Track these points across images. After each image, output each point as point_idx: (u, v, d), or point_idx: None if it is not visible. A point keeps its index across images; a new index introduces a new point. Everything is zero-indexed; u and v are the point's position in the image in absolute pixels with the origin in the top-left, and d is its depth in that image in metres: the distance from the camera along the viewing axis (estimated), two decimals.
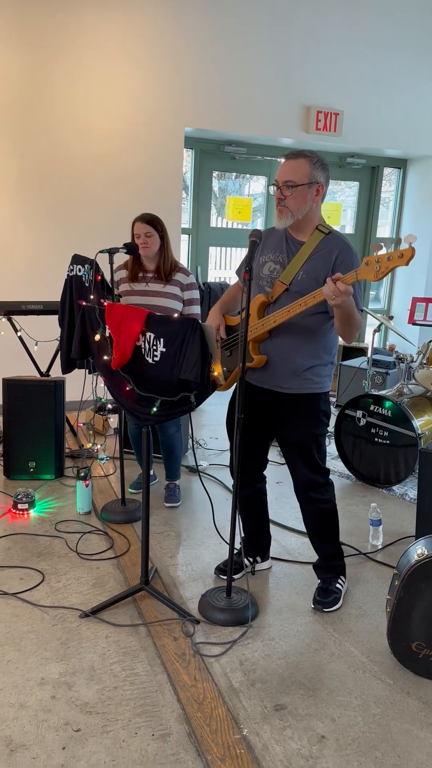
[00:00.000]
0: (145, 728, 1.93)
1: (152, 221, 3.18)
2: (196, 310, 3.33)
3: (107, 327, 2.40)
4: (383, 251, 2.13)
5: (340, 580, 2.67)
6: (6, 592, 2.61)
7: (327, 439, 4.90)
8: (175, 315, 2.88)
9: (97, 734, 1.90)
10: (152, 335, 2.31)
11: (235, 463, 2.40)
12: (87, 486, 3.34)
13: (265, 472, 2.81)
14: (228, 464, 2.88)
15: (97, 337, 2.44)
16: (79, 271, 3.28)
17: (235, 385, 2.62)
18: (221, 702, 2.05)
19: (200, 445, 4.62)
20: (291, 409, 2.50)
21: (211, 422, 5.25)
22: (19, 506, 3.30)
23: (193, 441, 3.30)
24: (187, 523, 3.36)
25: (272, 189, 2.37)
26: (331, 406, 5.74)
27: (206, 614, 2.49)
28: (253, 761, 1.82)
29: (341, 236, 2.41)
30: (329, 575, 2.66)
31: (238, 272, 2.66)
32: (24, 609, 2.51)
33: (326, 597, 2.59)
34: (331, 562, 2.67)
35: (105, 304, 2.43)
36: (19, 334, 4.18)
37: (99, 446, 4.32)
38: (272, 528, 3.07)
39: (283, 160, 2.39)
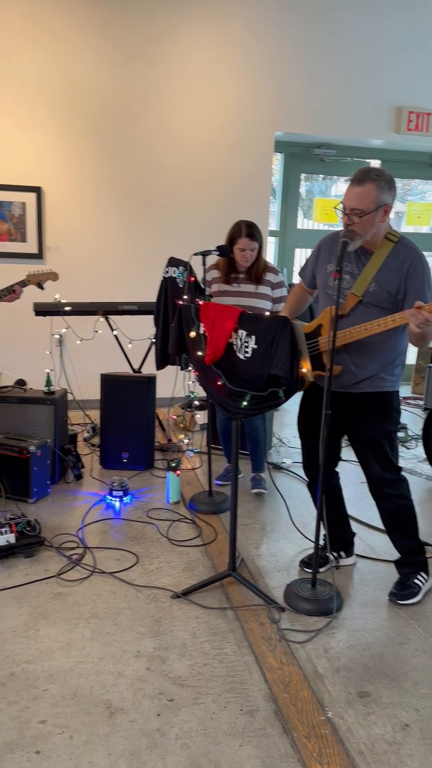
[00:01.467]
0: (233, 703, 2.04)
1: (258, 236, 3.30)
2: None
3: (202, 324, 2.54)
4: None
5: (420, 576, 2.70)
6: (104, 570, 2.80)
7: (414, 442, 4.85)
8: (267, 313, 2.97)
9: (188, 705, 2.03)
10: (244, 332, 2.43)
11: (321, 458, 2.47)
12: (177, 476, 3.50)
13: (339, 477, 2.87)
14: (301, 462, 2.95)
15: (193, 334, 2.58)
16: (174, 272, 3.45)
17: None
18: (306, 685, 2.13)
19: (283, 443, 4.70)
20: (364, 407, 2.55)
21: (293, 422, 5.29)
22: (114, 493, 3.50)
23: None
24: (272, 516, 3.45)
25: (339, 212, 2.39)
26: (420, 410, 5.66)
27: (291, 603, 2.58)
28: (337, 742, 1.89)
29: (411, 245, 2.42)
30: (409, 570, 2.69)
31: (301, 274, 2.72)
32: (120, 587, 2.69)
33: (403, 590, 2.64)
34: (411, 558, 2.69)
35: (200, 303, 2.56)
36: (115, 332, 4.42)
37: (187, 440, 4.49)
38: (357, 527, 3.11)
39: (348, 183, 2.37)
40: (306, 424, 2.77)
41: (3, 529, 2.88)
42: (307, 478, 2.93)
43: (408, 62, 5.54)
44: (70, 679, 2.13)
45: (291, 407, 5.64)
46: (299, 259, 6.40)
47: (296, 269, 6.44)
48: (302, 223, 6.34)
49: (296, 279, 6.44)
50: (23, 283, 3.31)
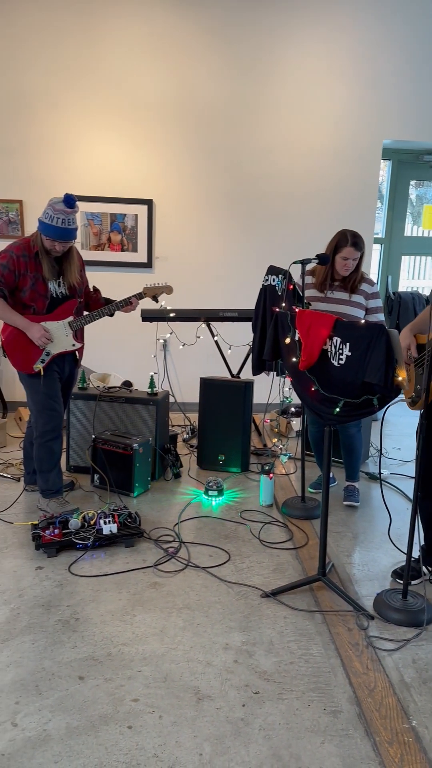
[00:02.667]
0: (317, 702, 2.08)
1: (361, 246, 3.32)
2: (381, 317, 3.41)
3: (297, 331, 2.61)
4: None
5: None
6: (198, 565, 2.93)
7: None
8: (362, 321, 2.99)
9: (273, 699, 2.10)
10: (339, 339, 2.47)
11: (416, 470, 2.45)
12: (270, 479, 3.57)
13: None
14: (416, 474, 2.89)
15: (288, 340, 2.65)
16: (273, 280, 3.53)
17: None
18: (392, 692, 2.13)
19: (382, 453, 4.64)
20: None
21: (394, 433, 5.21)
22: (210, 492, 3.63)
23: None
24: (365, 526, 3.44)
25: None
26: None
27: (381, 612, 2.57)
28: (420, 750, 1.88)
29: None
30: None
31: None
32: (212, 582, 2.80)
33: None
34: None
35: (296, 310, 2.63)
36: (215, 338, 4.57)
37: (281, 446, 4.55)
38: None
39: None
40: (429, 435, 2.67)
41: (107, 519, 3.09)
42: (420, 492, 2.76)
43: None
44: (162, 663, 2.26)
45: (393, 418, 5.55)
46: (405, 267, 6.27)
47: (403, 277, 6.32)
48: (411, 230, 6.21)
49: (401, 287, 6.31)
50: (140, 296, 3.50)
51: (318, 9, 5.11)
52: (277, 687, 2.15)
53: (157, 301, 3.56)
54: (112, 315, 3.47)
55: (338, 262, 3.34)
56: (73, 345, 3.36)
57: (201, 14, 5.05)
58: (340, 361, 2.46)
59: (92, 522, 3.11)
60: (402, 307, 5.92)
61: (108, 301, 3.49)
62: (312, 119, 5.28)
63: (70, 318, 3.33)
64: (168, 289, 3.56)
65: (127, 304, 3.44)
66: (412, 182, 6.07)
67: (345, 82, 5.24)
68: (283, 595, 2.70)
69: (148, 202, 5.32)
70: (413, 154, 5.84)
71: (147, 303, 4.91)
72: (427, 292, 5.80)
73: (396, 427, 5.37)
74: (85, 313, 3.46)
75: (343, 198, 5.41)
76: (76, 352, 3.46)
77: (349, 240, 3.29)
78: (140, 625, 2.48)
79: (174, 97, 5.18)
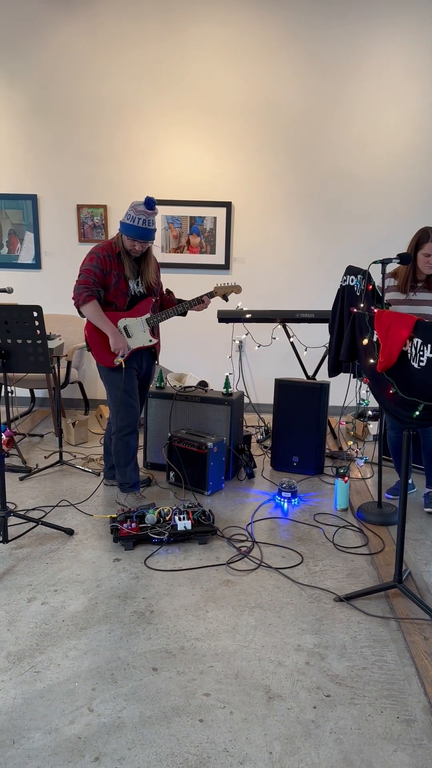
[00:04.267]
0: (390, 709, 2.04)
1: None
2: None
3: (375, 332, 2.56)
4: None
5: None
6: (270, 565, 2.93)
7: None
8: None
9: (345, 703, 2.07)
10: (420, 341, 2.41)
11: None
12: (345, 482, 3.53)
13: None
14: None
15: (365, 341, 2.61)
16: (352, 281, 3.49)
17: None
18: None
19: None
20: None
21: None
22: (283, 494, 3.63)
23: None
24: None
25: None
26: None
27: None
28: None
29: None
30: None
31: None
32: (285, 583, 2.79)
33: None
34: None
35: (375, 311, 2.59)
36: (291, 339, 4.55)
37: (358, 450, 4.48)
38: None
39: None
40: None
41: (182, 516, 3.15)
42: None
43: None
44: (234, 660, 2.28)
45: None
46: None
47: None
48: None
49: None
50: (211, 295, 3.58)
51: (400, 7, 4.99)
52: (350, 691, 2.13)
53: (227, 300, 3.61)
54: (185, 314, 3.58)
55: (420, 259, 3.26)
56: (150, 341, 3.48)
57: (281, 16, 5.05)
58: (421, 363, 2.40)
59: (167, 518, 3.18)
60: None
61: (181, 302, 3.59)
62: (393, 118, 5.16)
63: (148, 315, 3.46)
64: (237, 289, 3.61)
65: (199, 302, 3.53)
66: None
67: (426, 81, 5.09)
68: (357, 600, 2.66)
69: (227, 205, 5.36)
70: None
71: (219, 303, 4.96)
72: None
73: None
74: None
75: (423, 197, 5.26)
76: (154, 349, 3.57)
77: (430, 236, 3.21)
78: (213, 621, 2.51)
79: (253, 99, 5.21)
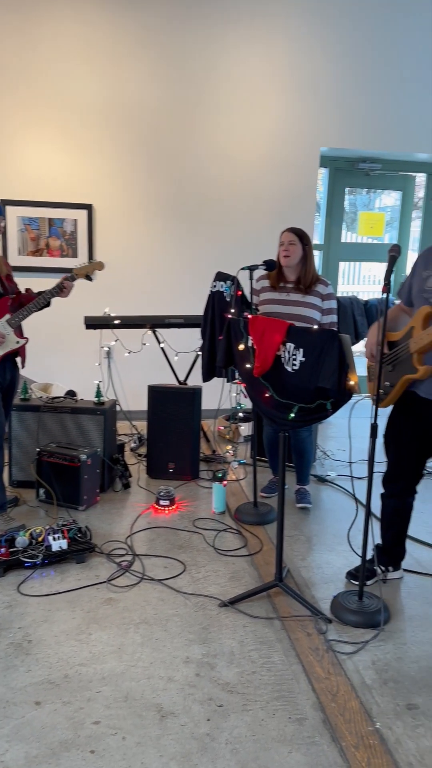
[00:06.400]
0: (282, 711, 2.07)
1: (298, 232, 3.38)
2: (335, 319, 3.46)
3: (250, 337, 2.60)
4: None
5: None
6: (153, 578, 2.87)
7: None
8: (315, 326, 3.02)
9: (238, 711, 2.07)
10: (292, 345, 2.48)
11: (368, 471, 2.48)
12: (224, 486, 3.55)
13: (415, 495, 2.81)
14: (365, 473, 2.95)
15: (241, 346, 2.64)
16: (222, 287, 3.53)
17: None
18: (354, 695, 2.14)
19: (328, 456, 4.70)
20: None
21: (338, 434, 5.30)
22: (161, 502, 3.57)
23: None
24: (317, 529, 3.47)
25: None
26: None
27: (338, 614, 2.59)
28: (385, 752, 1.90)
29: None
30: None
31: (399, 294, 2.73)
32: (169, 594, 2.74)
33: None
34: None
35: (249, 316, 2.62)
36: (162, 345, 4.52)
37: (232, 452, 4.54)
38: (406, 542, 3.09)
39: None
40: (397, 434, 2.70)
41: (56, 535, 2.98)
42: (383, 489, 2.83)
43: None
44: (122, 682, 2.19)
45: (336, 420, 5.63)
46: (343, 273, 6.40)
47: (341, 282, 6.44)
48: (346, 236, 6.35)
49: (339, 292, 6.44)
50: (71, 278, 3.33)
51: (255, 17, 5.15)
52: (241, 698, 2.13)
53: (91, 279, 3.42)
54: (48, 304, 3.30)
55: (281, 254, 3.37)
56: (18, 342, 3.25)
57: (138, 19, 5.01)
58: (294, 367, 2.47)
59: (40, 539, 3.00)
60: (340, 311, 6.04)
61: (41, 293, 3.33)
62: (252, 126, 5.32)
63: (7, 316, 3.22)
64: (99, 265, 3.44)
65: (60, 289, 3.29)
66: (346, 190, 6.21)
67: (283, 90, 5.31)
68: (241, 603, 2.68)
69: (88, 207, 5.21)
70: (349, 161, 5.98)
71: (86, 309, 4.82)
72: (363, 297, 5.92)
73: (339, 429, 5.46)
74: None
75: (285, 204, 5.47)
76: (18, 358, 3.34)
77: (287, 227, 3.35)
78: (97, 643, 2.40)
79: (111, 100, 5.11)
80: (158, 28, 5.05)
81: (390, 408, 2.72)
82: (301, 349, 2.45)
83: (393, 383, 2.61)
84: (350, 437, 5.04)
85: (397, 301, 2.78)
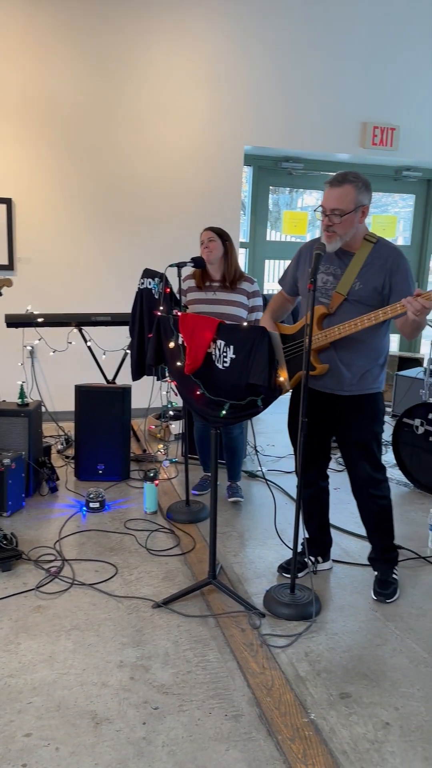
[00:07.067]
0: (218, 709, 2.07)
1: (216, 230, 3.39)
2: (261, 316, 3.49)
3: (180, 335, 2.58)
4: None
5: (395, 572, 2.81)
6: (83, 582, 2.80)
7: (384, 448, 4.96)
8: (245, 324, 3.03)
9: (174, 712, 2.05)
10: (223, 342, 2.47)
11: (298, 464, 2.53)
12: (156, 486, 3.52)
13: (329, 480, 2.93)
14: (293, 467, 3.00)
15: (172, 344, 2.62)
16: (150, 284, 3.48)
17: (291, 391, 2.76)
18: (289, 689, 2.17)
19: (258, 451, 4.75)
20: (353, 409, 2.62)
21: (268, 430, 5.37)
22: (91, 505, 3.50)
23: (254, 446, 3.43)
24: (248, 524, 3.49)
25: (318, 214, 2.48)
26: (388, 416, 5.78)
27: (271, 608, 2.62)
28: (321, 743, 1.93)
29: (390, 244, 2.53)
30: (386, 567, 2.80)
31: (281, 282, 2.81)
32: (101, 598, 2.69)
33: (386, 588, 2.72)
34: (388, 554, 2.80)
35: (178, 314, 2.60)
36: (88, 344, 4.42)
37: (161, 451, 4.51)
38: (333, 532, 3.17)
39: (327, 186, 2.46)
40: (297, 427, 2.80)
41: None
42: (297, 481, 2.94)
43: (373, 78, 5.71)
44: (54, 691, 2.12)
45: (265, 416, 5.70)
46: (269, 271, 6.49)
47: (266, 280, 6.53)
48: (270, 235, 6.44)
49: (265, 290, 6.53)
50: None
51: (178, 12, 5.12)
52: (177, 699, 2.11)
53: (0, 294, 3.31)
54: None
55: (203, 252, 3.37)
56: None
57: (57, 15, 4.86)
58: (225, 364, 2.47)
59: None
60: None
61: None
62: (177, 123, 5.29)
63: None
64: (7, 282, 3.34)
65: None
66: (270, 188, 6.29)
67: (206, 88, 5.31)
68: (175, 603, 2.65)
69: (7, 201, 5.02)
70: (273, 160, 6.06)
71: (8, 306, 4.66)
72: None
73: (268, 424, 5.53)
74: None
75: (210, 201, 5.48)
76: None
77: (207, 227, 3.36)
78: (26, 653, 2.31)
79: (33, 95, 4.94)
80: (79, 18, 4.92)
81: (286, 401, 2.80)
82: (232, 346, 2.45)
83: (290, 376, 2.70)
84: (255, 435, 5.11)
85: (279, 288, 2.86)
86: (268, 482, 3.81)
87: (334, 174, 2.47)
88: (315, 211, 2.50)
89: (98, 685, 2.17)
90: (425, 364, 5.12)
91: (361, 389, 2.60)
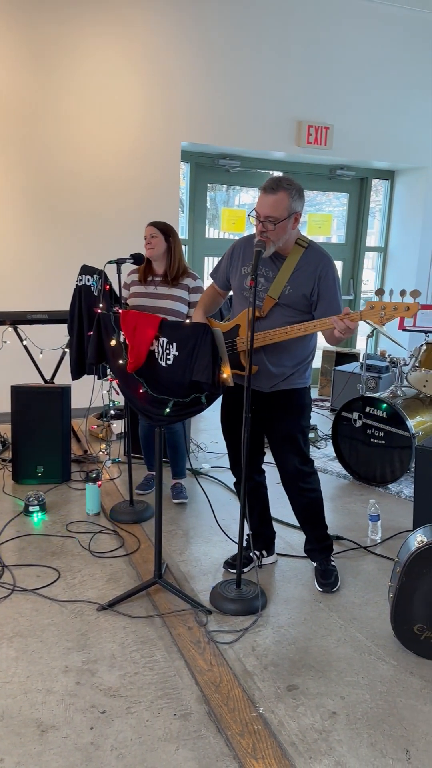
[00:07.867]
0: (167, 709, 2.05)
1: (160, 225, 3.35)
2: None
3: (122, 333, 2.54)
4: (388, 299, 2.33)
5: (332, 559, 2.90)
6: (25, 588, 2.72)
7: (323, 442, 5.06)
8: (187, 320, 3.02)
9: (122, 715, 2.02)
10: (165, 340, 2.45)
11: (243, 459, 2.54)
12: (99, 487, 3.46)
13: (265, 474, 2.99)
14: (228, 464, 3.03)
15: (113, 342, 2.57)
16: (88, 281, 3.42)
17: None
18: (237, 684, 2.18)
19: (201, 449, 4.75)
20: (281, 404, 2.68)
21: (209, 427, 5.37)
22: (30, 508, 3.41)
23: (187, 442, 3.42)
24: (193, 521, 3.49)
25: (252, 219, 2.50)
26: (327, 411, 5.91)
27: (217, 605, 2.62)
28: (270, 736, 1.95)
29: (320, 249, 2.59)
30: (323, 556, 2.88)
31: (213, 276, 2.83)
32: (43, 604, 2.62)
33: (329, 578, 2.80)
34: (323, 543, 2.89)
35: (120, 311, 2.56)
36: (24, 343, 4.30)
37: (103, 451, 4.44)
38: (276, 526, 3.21)
39: (261, 191, 2.47)
40: (229, 424, 2.84)
41: None
42: (234, 477, 3.02)
43: (308, 77, 5.79)
44: None
45: (207, 413, 5.70)
46: (208, 267, 6.49)
47: (206, 277, 6.53)
48: (209, 232, 6.44)
49: (205, 286, 6.53)
50: None
51: (113, 9, 5.04)
52: (125, 701, 2.08)
53: None
54: None
55: (145, 247, 3.34)
56: None
57: None
58: (168, 362, 2.45)
59: None
60: None
61: None
62: (114, 117, 5.20)
63: None
64: None
65: None
66: (208, 185, 6.30)
67: (143, 83, 5.25)
68: (120, 605, 2.62)
69: None
70: (210, 157, 6.07)
71: None
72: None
73: (210, 421, 5.54)
74: None
75: (147, 198, 5.42)
76: None
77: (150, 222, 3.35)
78: None
79: None
80: (9, 16, 4.77)
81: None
82: (175, 344, 2.44)
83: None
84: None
85: (210, 281, 2.89)
86: (199, 481, 3.83)
87: (268, 179, 2.48)
88: (249, 215, 2.50)
89: (43, 691, 2.11)
90: (361, 359, 5.26)
91: (288, 385, 2.66)
